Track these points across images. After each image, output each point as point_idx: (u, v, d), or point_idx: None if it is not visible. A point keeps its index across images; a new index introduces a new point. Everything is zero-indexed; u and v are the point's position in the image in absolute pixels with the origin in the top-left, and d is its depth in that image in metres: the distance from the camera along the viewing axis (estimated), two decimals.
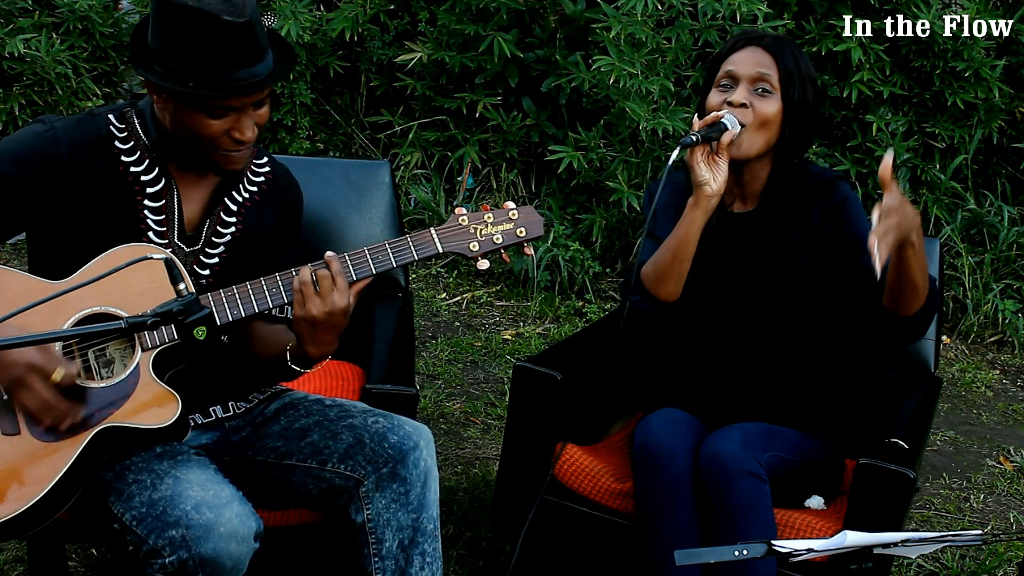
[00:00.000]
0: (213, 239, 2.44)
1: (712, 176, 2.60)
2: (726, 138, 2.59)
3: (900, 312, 2.58)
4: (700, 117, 2.70)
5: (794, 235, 2.72)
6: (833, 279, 2.71)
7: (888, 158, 2.31)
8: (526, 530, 2.60)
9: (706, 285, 2.72)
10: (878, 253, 2.26)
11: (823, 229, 2.69)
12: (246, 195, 2.49)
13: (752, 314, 2.74)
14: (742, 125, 2.62)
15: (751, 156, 2.66)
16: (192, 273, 2.41)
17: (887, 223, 2.30)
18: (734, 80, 2.66)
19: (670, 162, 2.53)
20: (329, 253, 2.25)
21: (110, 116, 2.37)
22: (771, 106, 2.64)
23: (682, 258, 2.65)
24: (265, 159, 2.55)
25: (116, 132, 2.36)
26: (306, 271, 2.23)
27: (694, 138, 2.56)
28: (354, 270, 2.27)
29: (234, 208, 2.46)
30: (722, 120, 2.60)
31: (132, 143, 2.37)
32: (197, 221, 2.43)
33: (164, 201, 2.38)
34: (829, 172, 2.75)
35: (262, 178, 2.53)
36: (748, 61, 2.66)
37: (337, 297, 2.23)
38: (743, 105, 2.63)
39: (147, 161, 2.37)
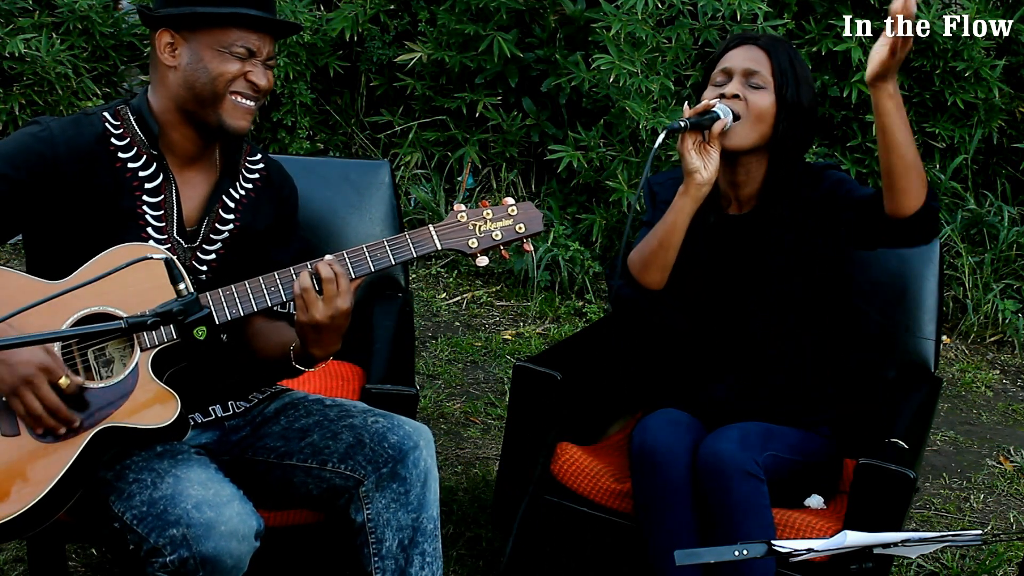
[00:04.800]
0: (211, 235, 2.44)
1: (703, 164, 2.60)
2: (717, 127, 2.58)
3: (900, 212, 2.50)
4: None
5: (791, 237, 2.71)
6: (830, 281, 2.71)
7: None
8: (519, 524, 2.60)
9: (705, 287, 2.72)
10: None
11: (819, 222, 2.68)
12: (242, 192, 2.50)
13: (751, 315, 2.74)
14: (736, 116, 2.62)
15: (744, 148, 2.66)
16: (190, 269, 2.42)
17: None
18: (728, 75, 2.67)
19: (656, 145, 2.52)
20: (328, 256, 2.24)
21: (105, 114, 2.40)
22: (764, 99, 2.64)
23: (668, 246, 2.65)
24: (259, 156, 2.56)
25: (111, 129, 2.38)
26: (306, 276, 2.23)
27: (682, 124, 2.55)
28: (353, 268, 2.26)
29: (231, 205, 2.47)
30: (714, 109, 2.59)
31: (128, 140, 2.39)
32: (196, 217, 2.44)
33: (163, 196, 2.39)
34: (817, 164, 2.76)
35: (257, 175, 2.54)
36: (742, 57, 2.67)
37: (340, 301, 2.22)
38: (736, 96, 2.63)
39: (144, 157, 2.39)
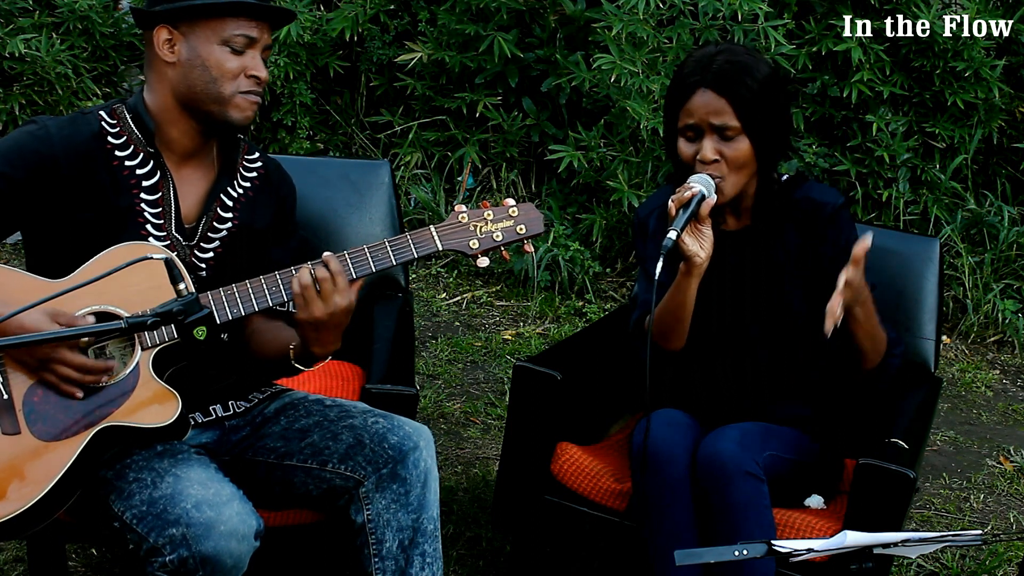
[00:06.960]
0: (209, 233, 2.45)
1: (699, 246, 2.58)
2: (705, 209, 2.55)
3: (860, 365, 2.69)
4: (670, 154, 2.69)
5: (790, 247, 2.71)
6: (829, 287, 2.71)
7: (868, 239, 2.43)
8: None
9: (703, 299, 2.71)
10: (830, 318, 2.41)
11: (823, 257, 2.68)
12: (240, 190, 2.51)
13: (749, 324, 2.74)
14: (718, 178, 2.59)
15: (736, 194, 2.65)
16: (190, 266, 2.42)
17: (844, 293, 2.43)
18: (697, 130, 2.62)
19: (658, 268, 2.47)
20: (327, 253, 2.25)
21: (101, 112, 2.41)
22: (740, 147, 2.60)
23: (682, 317, 2.67)
24: (256, 154, 2.57)
25: (108, 128, 2.39)
26: (305, 273, 2.23)
27: (674, 235, 2.49)
28: (354, 268, 2.27)
29: (230, 203, 2.48)
30: (697, 192, 2.54)
31: (125, 138, 2.39)
32: (194, 215, 2.44)
33: (160, 194, 2.40)
34: (831, 205, 2.70)
35: (255, 173, 2.54)
36: (704, 109, 2.59)
37: (339, 298, 2.23)
38: (715, 161, 2.60)
39: (141, 155, 2.40)
